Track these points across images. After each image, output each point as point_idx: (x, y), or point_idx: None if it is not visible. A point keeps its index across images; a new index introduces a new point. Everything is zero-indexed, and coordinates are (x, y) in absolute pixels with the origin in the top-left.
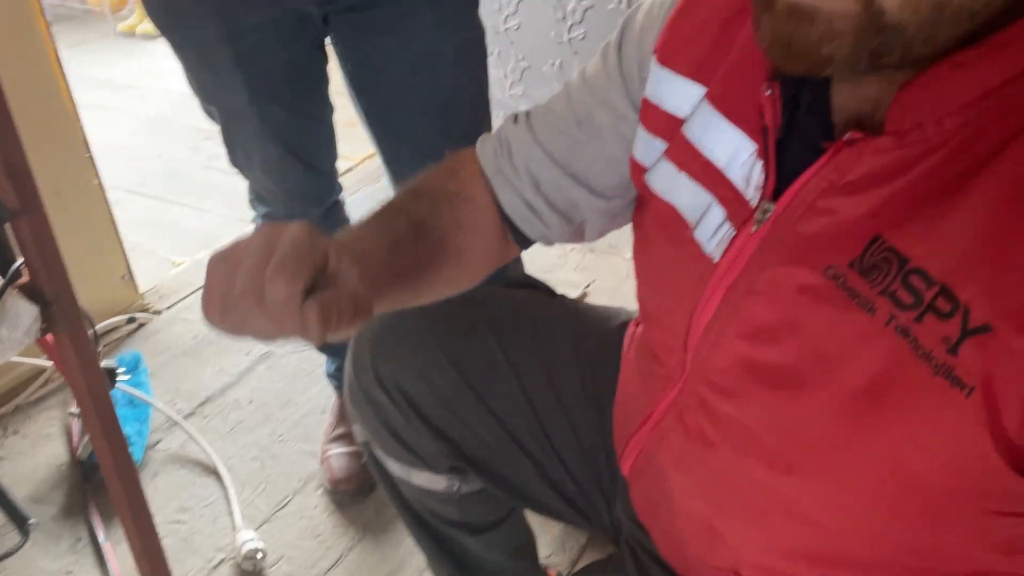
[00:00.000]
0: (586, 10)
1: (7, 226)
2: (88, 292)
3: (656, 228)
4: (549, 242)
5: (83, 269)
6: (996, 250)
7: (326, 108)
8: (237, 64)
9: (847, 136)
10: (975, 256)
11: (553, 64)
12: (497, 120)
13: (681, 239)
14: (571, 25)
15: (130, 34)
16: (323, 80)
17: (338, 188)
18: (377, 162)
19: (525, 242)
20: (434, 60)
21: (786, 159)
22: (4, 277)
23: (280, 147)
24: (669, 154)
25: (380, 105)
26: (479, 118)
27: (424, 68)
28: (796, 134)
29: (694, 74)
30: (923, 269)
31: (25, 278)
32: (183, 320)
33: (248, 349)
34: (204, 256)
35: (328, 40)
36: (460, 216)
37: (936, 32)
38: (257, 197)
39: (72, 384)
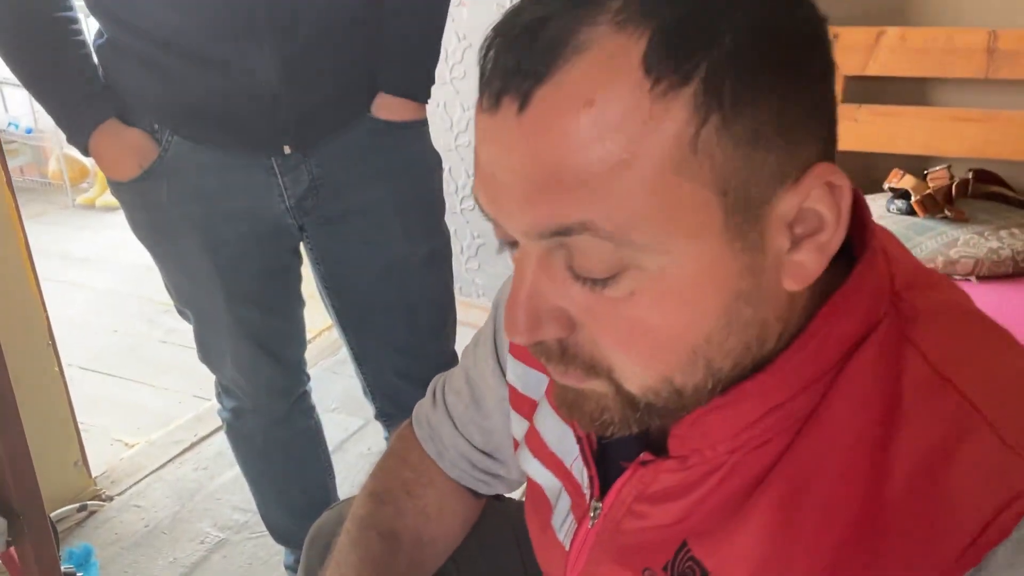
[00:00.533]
0: None
1: None
2: (41, 480)
3: (530, 506)
4: (497, 493)
5: (38, 458)
6: (759, 556)
7: (299, 305)
8: (217, 272)
9: (641, 457)
10: (745, 559)
11: None
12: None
13: (545, 522)
14: None
15: (89, 206)
16: (297, 281)
17: (306, 379)
18: (335, 335)
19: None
20: (403, 267)
21: (611, 458)
22: None
23: (253, 345)
24: (527, 441)
25: (351, 304)
26: (444, 314)
27: (394, 274)
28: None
29: (538, 365)
30: (710, 572)
31: None
32: (134, 507)
33: (202, 537)
34: (158, 437)
35: (302, 243)
36: (424, 505)
37: (686, 403)
38: (225, 391)
39: None
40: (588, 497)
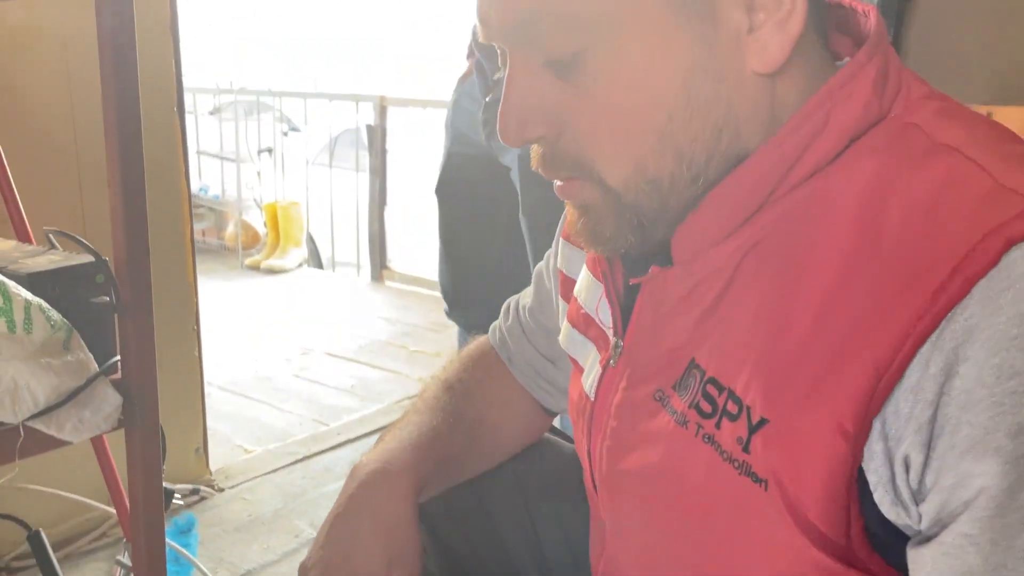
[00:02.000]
0: None
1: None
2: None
3: (572, 381)
4: (564, 411)
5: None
6: (758, 349)
7: None
8: None
9: (651, 271)
10: (747, 357)
11: None
12: None
13: (576, 387)
14: None
15: (255, 267)
16: None
17: None
18: None
19: (551, 414)
20: None
21: (631, 300)
22: (99, 366)
23: None
24: (568, 315)
25: None
26: None
27: None
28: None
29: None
30: (715, 377)
31: (117, 374)
32: (242, 499)
33: (297, 532)
34: (275, 447)
35: None
36: (491, 394)
37: (668, 200)
38: None
39: (132, 491)
40: (611, 336)
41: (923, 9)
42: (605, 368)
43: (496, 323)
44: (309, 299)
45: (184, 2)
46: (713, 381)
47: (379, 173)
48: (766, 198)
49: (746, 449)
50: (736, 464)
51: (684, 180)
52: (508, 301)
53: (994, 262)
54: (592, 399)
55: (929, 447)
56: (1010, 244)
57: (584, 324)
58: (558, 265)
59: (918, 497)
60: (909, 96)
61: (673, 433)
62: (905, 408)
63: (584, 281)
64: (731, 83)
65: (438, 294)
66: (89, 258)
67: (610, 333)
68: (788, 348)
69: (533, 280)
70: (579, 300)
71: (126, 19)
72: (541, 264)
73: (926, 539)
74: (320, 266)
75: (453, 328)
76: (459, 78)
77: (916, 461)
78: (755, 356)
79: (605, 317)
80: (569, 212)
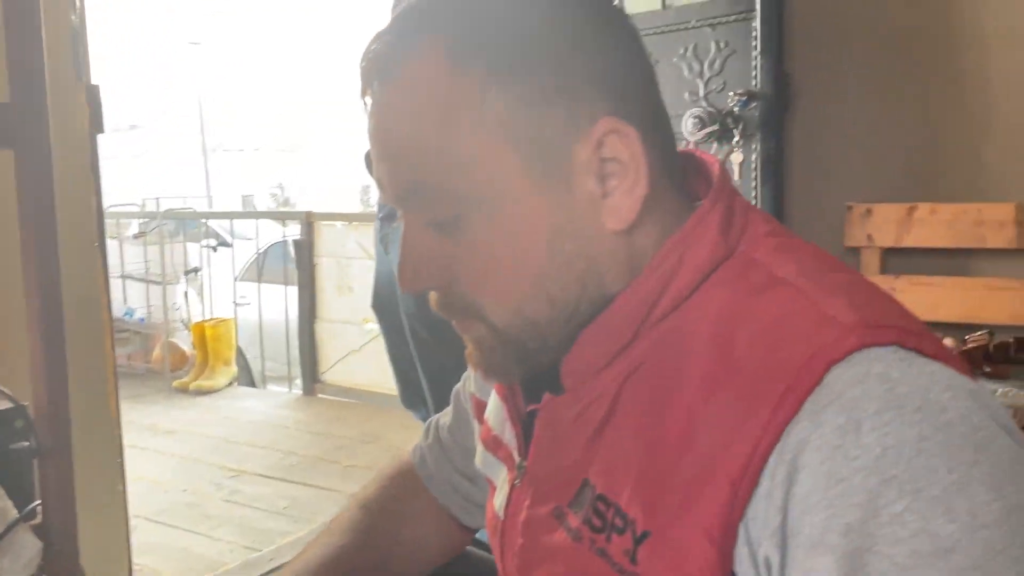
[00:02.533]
0: None
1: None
2: None
3: (489, 500)
4: (478, 527)
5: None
6: (637, 466)
7: None
8: None
9: (543, 399)
10: (629, 474)
11: None
12: None
13: (491, 506)
14: None
15: (183, 389)
16: None
17: None
18: None
19: (472, 528)
20: None
21: (533, 418)
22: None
23: None
24: (480, 436)
25: None
26: None
27: None
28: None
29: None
30: (603, 494)
31: (38, 519)
32: None
33: None
34: None
35: None
36: (406, 510)
37: (547, 337)
38: None
39: None
40: (516, 458)
41: (801, 118)
42: (512, 488)
43: (417, 442)
44: (239, 419)
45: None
46: (602, 498)
47: (308, 287)
48: (637, 330)
49: (633, 560)
50: (626, 575)
51: (558, 321)
52: (429, 420)
53: (818, 381)
54: (502, 518)
55: (782, 549)
56: (829, 365)
57: (494, 445)
58: (471, 389)
59: None
60: (754, 233)
61: (570, 548)
62: (761, 514)
63: (493, 404)
64: (590, 239)
65: (372, 403)
66: (7, 403)
67: (515, 454)
68: (662, 464)
69: (451, 400)
70: (489, 423)
71: (44, 164)
72: (458, 385)
73: None
74: (252, 383)
75: (387, 439)
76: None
77: (774, 562)
78: (636, 473)
79: (510, 439)
80: (468, 345)
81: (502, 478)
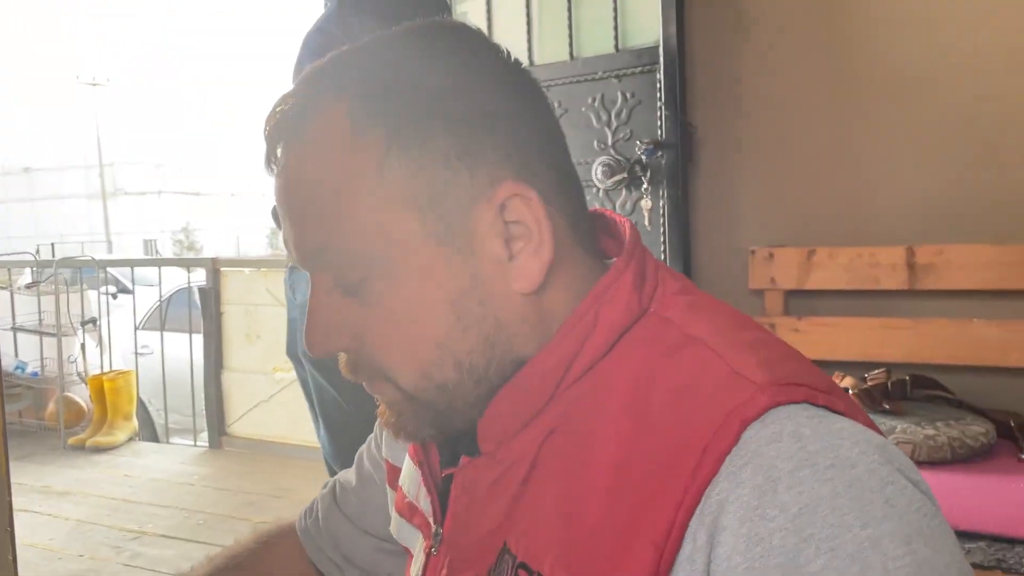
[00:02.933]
0: None
1: None
2: None
3: (407, 569)
4: None
5: None
6: (559, 532)
7: None
8: None
9: (462, 461)
10: (550, 541)
11: None
12: None
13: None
14: None
15: (79, 446)
16: None
17: None
18: None
19: None
20: None
21: (450, 483)
22: None
23: None
24: (395, 504)
25: None
26: None
27: None
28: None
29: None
30: (525, 562)
31: None
32: None
33: None
34: None
35: None
36: (264, 552)
37: (455, 400)
38: None
39: None
40: (432, 525)
41: (704, 167)
42: (428, 556)
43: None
44: (140, 476)
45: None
46: (524, 566)
47: (214, 335)
48: (553, 391)
49: None
50: None
51: (467, 384)
52: (332, 479)
53: (734, 441)
54: None
55: None
56: (745, 424)
57: (409, 512)
58: (383, 454)
59: None
60: (665, 291)
61: None
62: None
63: (407, 470)
64: (497, 302)
65: (282, 455)
66: None
67: (431, 520)
68: (584, 530)
69: (355, 460)
70: (404, 489)
71: None
72: (363, 447)
73: None
74: (155, 437)
75: (299, 492)
76: None
77: None
78: (557, 539)
79: (425, 505)
80: (381, 406)
81: (419, 546)
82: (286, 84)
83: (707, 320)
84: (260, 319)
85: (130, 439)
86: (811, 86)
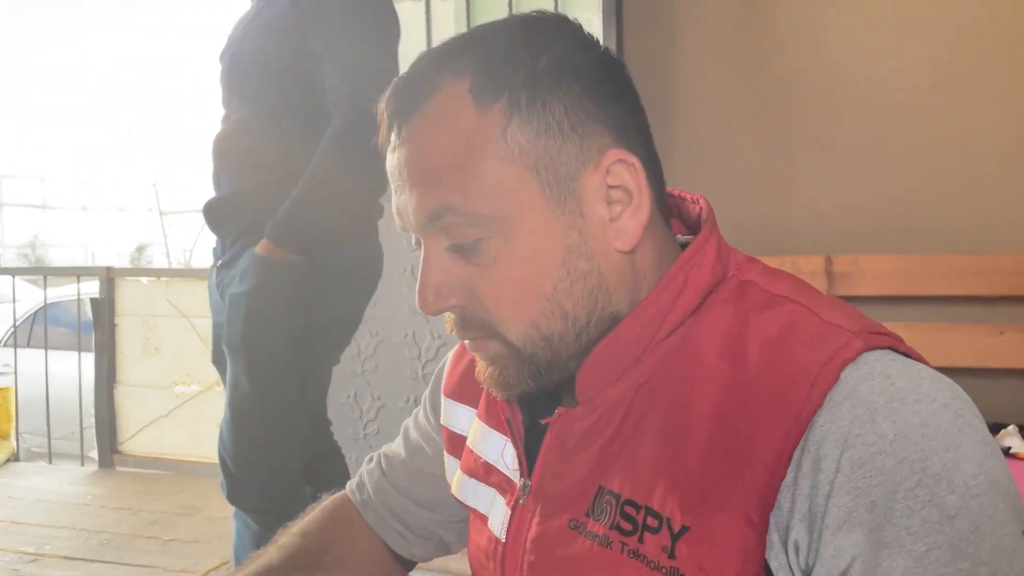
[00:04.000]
0: (439, 348)
1: None
2: None
3: (473, 530)
4: (416, 559)
5: None
6: (666, 468)
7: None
8: None
9: (558, 412)
10: (657, 477)
11: (407, 400)
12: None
13: (482, 534)
14: (425, 363)
15: None
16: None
17: None
18: None
19: (404, 561)
20: None
21: (532, 443)
22: None
23: None
24: (462, 467)
25: None
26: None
27: None
28: (535, 424)
29: (467, 400)
30: (631, 499)
31: None
32: None
33: None
34: None
35: None
36: (332, 534)
37: (559, 352)
38: None
39: None
40: (519, 478)
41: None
42: (514, 508)
43: (358, 471)
44: (25, 498)
45: None
46: (630, 502)
47: (106, 349)
48: (648, 345)
49: (672, 556)
50: (664, 571)
51: (570, 336)
52: (374, 453)
53: (835, 379)
54: (503, 540)
55: (810, 532)
56: (844, 364)
57: (484, 473)
58: (441, 421)
59: (806, 574)
60: (736, 260)
61: (597, 556)
62: (788, 502)
63: (478, 433)
64: (600, 259)
65: (182, 472)
66: None
67: (514, 475)
68: (691, 463)
69: (401, 433)
70: (476, 451)
71: None
72: (410, 420)
73: None
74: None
75: (209, 510)
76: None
77: (803, 545)
78: (665, 474)
79: (510, 461)
80: (479, 364)
81: (497, 504)
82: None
83: (786, 282)
84: (159, 331)
85: (6, 461)
86: (736, 103)
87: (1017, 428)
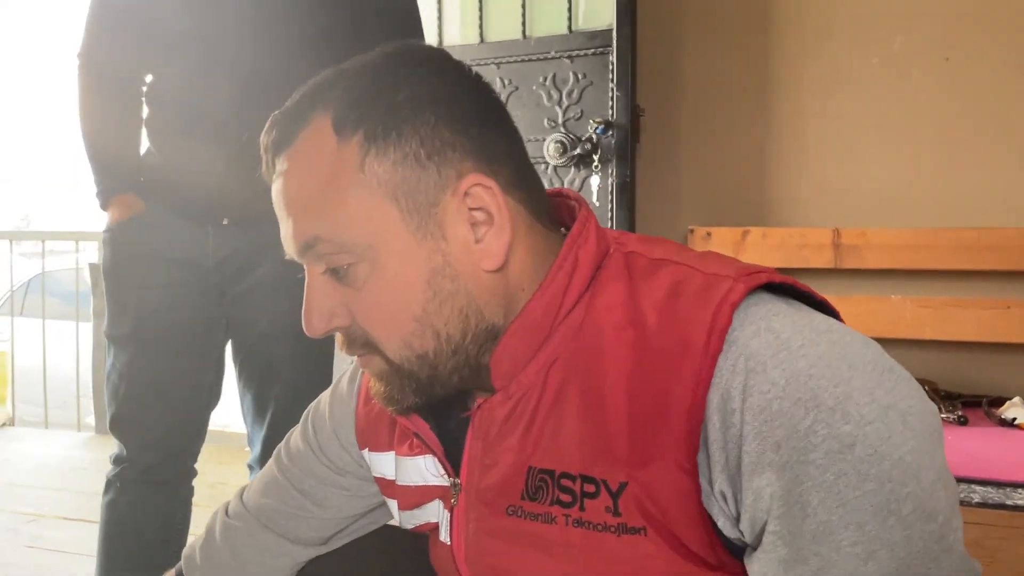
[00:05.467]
0: None
1: None
2: None
3: (432, 545)
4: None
5: None
6: (592, 435)
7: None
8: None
9: (477, 403)
10: (585, 445)
11: None
12: None
13: (436, 545)
14: None
15: None
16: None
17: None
18: None
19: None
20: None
21: (453, 446)
22: None
23: None
24: (401, 506)
25: None
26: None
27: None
28: (448, 430)
29: (383, 446)
30: (566, 471)
31: None
32: None
33: None
34: None
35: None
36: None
37: (436, 368)
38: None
39: None
40: (450, 482)
41: (649, 149)
42: (452, 510)
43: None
44: (23, 463)
45: None
46: (566, 475)
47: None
48: (552, 324)
49: (616, 513)
50: (612, 529)
51: (446, 353)
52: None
53: (728, 321)
54: (449, 543)
55: (732, 482)
56: (733, 307)
57: (423, 496)
58: (374, 474)
59: (738, 521)
60: (612, 236)
61: (543, 533)
62: (711, 452)
63: (401, 468)
64: (466, 279)
65: None
66: None
67: (444, 480)
68: (617, 426)
69: (276, 467)
70: (406, 483)
71: None
72: (285, 456)
73: (752, 548)
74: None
75: (205, 475)
76: None
77: (728, 494)
78: (592, 441)
79: (433, 471)
80: (371, 382)
81: (442, 512)
82: None
83: (661, 247)
84: None
85: (3, 424)
86: (744, 84)
87: (1022, 399)
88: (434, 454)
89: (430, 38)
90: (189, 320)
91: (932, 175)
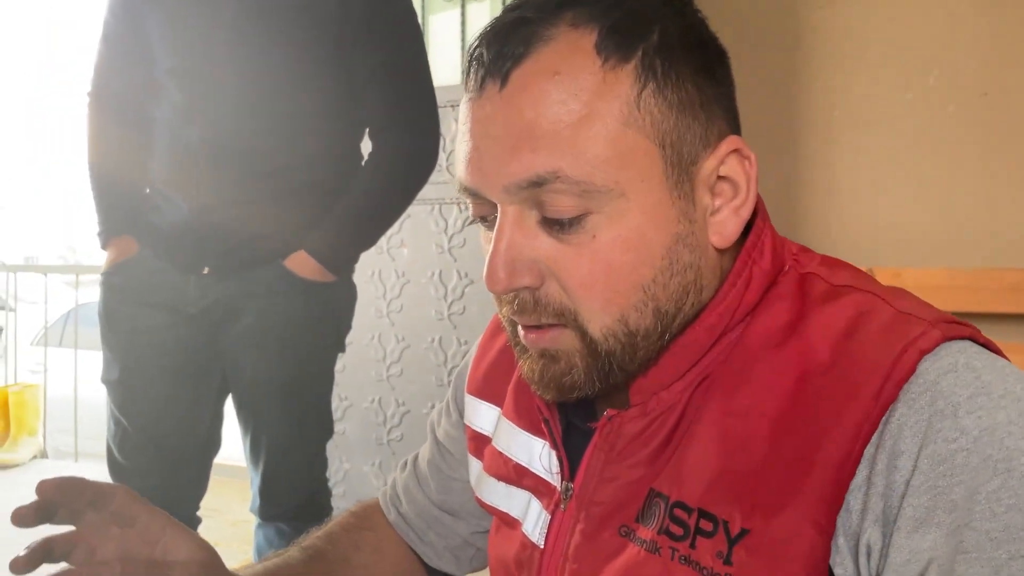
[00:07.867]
0: (465, 354)
1: None
2: None
3: (499, 535)
4: (447, 570)
5: None
6: (724, 468)
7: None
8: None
9: (607, 415)
10: (713, 477)
11: (432, 406)
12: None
13: (512, 540)
14: (451, 369)
15: None
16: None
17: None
18: None
19: (434, 572)
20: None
21: (570, 445)
22: None
23: None
24: (487, 469)
25: None
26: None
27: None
28: (572, 425)
29: (491, 397)
30: (681, 501)
31: None
32: None
33: None
34: None
35: None
36: (359, 540)
37: (636, 350)
38: None
39: None
40: (559, 482)
41: None
42: (554, 513)
43: (390, 478)
44: None
45: None
46: (680, 504)
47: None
48: (710, 346)
49: (727, 561)
50: None
51: (655, 335)
52: (408, 457)
53: (912, 371)
54: (542, 546)
55: (885, 533)
56: (922, 355)
57: (516, 476)
58: (464, 420)
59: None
60: (790, 251)
61: (646, 562)
62: (858, 504)
63: (507, 433)
64: (701, 253)
65: (220, 477)
66: None
67: (553, 479)
68: (751, 464)
69: (429, 434)
70: (506, 453)
71: None
72: (433, 417)
73: None
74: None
75: (231, 513)
76: None
77: (876, 547)
78: (721, 476)
79: (547, 464)
80: (528, 362)
81: (532, 508)
82: None
83: (847, 272)
84: None
85: (33, 458)
86: (776, 114)
87: None
88: (556, 448)
89: (454, 48)
90: (178, 367)
91: (970, 213)
